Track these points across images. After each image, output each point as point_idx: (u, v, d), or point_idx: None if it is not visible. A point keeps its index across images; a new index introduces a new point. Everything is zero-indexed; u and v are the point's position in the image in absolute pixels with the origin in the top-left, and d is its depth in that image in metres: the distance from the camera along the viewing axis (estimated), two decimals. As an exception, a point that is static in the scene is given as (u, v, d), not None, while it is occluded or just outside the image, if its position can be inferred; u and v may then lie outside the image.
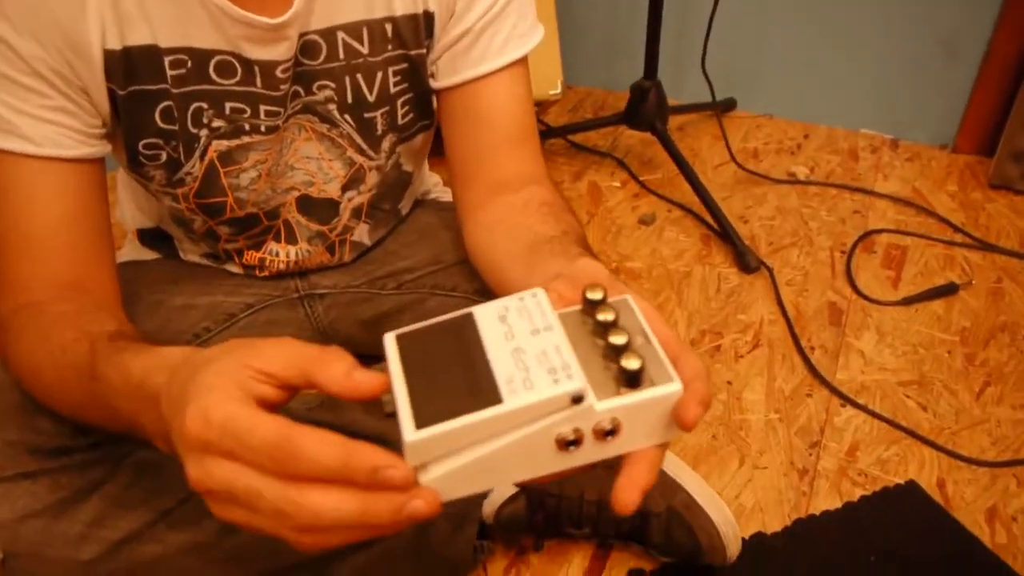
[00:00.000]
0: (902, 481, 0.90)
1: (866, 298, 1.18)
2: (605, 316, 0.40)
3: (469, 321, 0.40)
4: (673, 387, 0.38)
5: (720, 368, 1.06)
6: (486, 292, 0.72)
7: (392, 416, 0.38)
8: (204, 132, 0.65)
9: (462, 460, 0.36)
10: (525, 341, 0.38)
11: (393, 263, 0.84)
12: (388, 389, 0.39)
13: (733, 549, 0.79)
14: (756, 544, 0.83)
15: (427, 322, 0.41)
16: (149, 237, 0.82)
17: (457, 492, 0.37)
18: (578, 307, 0.42)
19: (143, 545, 0.65)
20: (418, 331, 0.40)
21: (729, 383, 1.04)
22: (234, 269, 0.80)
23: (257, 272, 0.79)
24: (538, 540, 0.87)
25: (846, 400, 1.01)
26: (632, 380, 0.37)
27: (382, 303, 0.83)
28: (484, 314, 0.40)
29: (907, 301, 1.17)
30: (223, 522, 0.40)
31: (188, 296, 0.78)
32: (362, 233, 0.82)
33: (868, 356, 1.08)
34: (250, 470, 0.37)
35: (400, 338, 0.40)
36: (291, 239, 0.78)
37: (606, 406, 0.37)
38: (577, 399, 0.36)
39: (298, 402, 0.80)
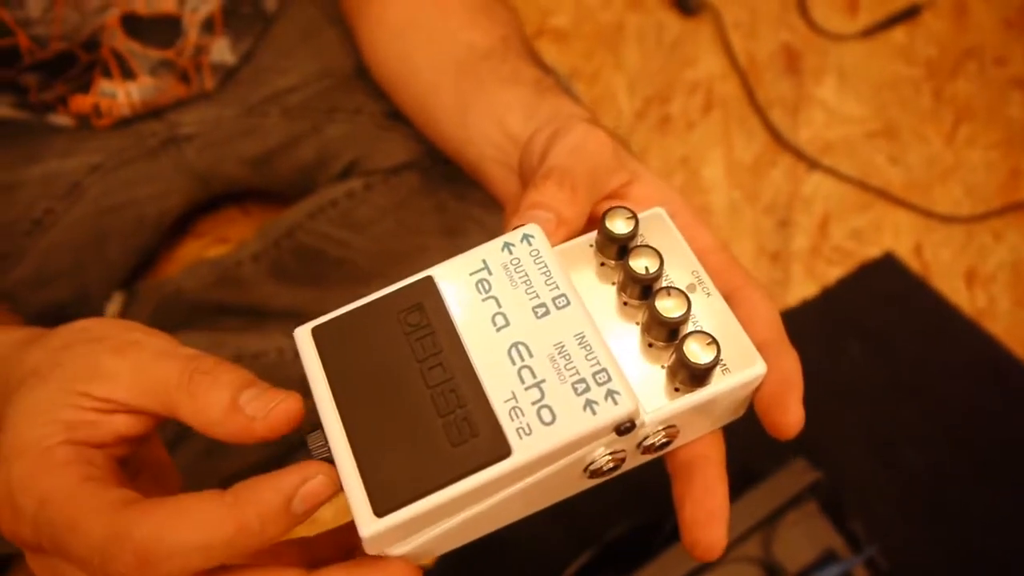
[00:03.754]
0: (878, 253, 0.84)
1: (823, 33, 1.03)
2: (643, 265, 0.26)
3: (430, 296, 0.25)
4: (755, 371, 0.25)
5: (672, 143, 0.93)
6: (401, 115, 0.56)
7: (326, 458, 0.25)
8: None
9: (442, 528, 0.24)
10: (527, 329, 0.24)
11: (271, 82, 0.64)
12: (314, 424, 0.25)
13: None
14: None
15: (360, 302, 0.26)
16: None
17: (438, 551, 0.25)
18: (589, 238, 0.28)
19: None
20: (347, 319, 0.26)
21: (685, 160, 0.92)
22: (62, 120, 0.60)
23: (95, 121, 0.60)
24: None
25: (812, 163, 0.91)
26: (700, 377, 0.24)
27: (268, 135, 0.65)
28: (452, 281, 0.26)
29: (867, 32, 1.03)
30: None
31: (7, 169, 0.58)
32: (222, 50, 0.61)
33: (831, 106, 0.96)
34: None
35: (320, 335, 0.26)
36: (127, 73, 0.58)
37: (660, 416, 0.25)
38: (625, 429, 0.24)
39: (192, 280, 0.65)
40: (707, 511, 0.27)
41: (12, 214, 0.58)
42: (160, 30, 0.56)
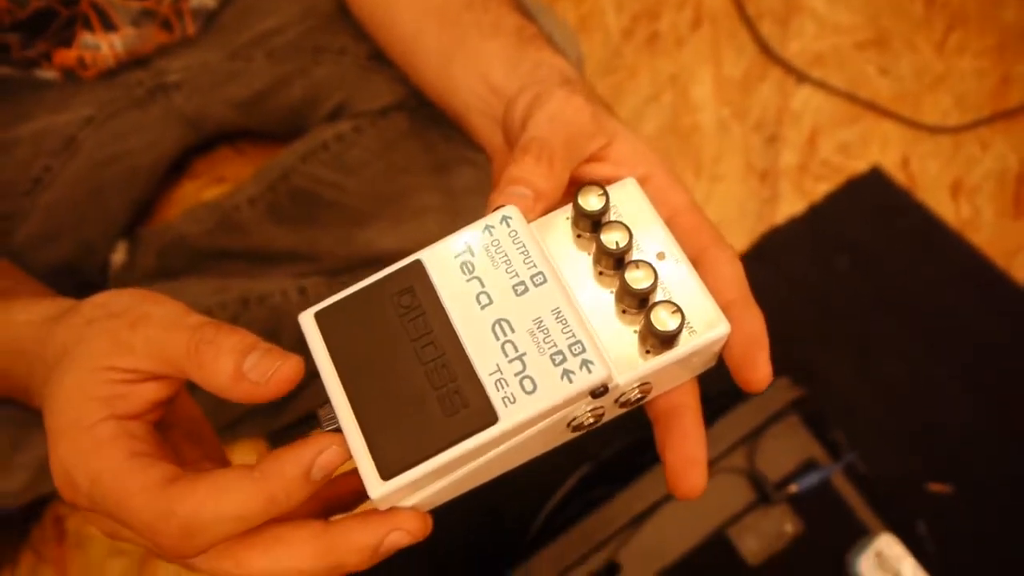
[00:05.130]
0: (865, 167, 0.85)
1: (814, -64, 1.01)
2: (614, 239, 0.27)
3: (420, 279, 0.27)
4: (718, 332, 0.27)
5: (661, 61, 0.92)
6: (383, 56, 0.56)
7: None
8: None
9: (444, 482, 0.27)
10: (509, 306, 0.26)
11: (253, 25, 0.64)
12: (323, 400, 0.28)
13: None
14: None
15: (357, 287, 0.28)
16: (-88, 44, 0.60)
17: (442, 500, 0.28)
18: (566, 211, 0.29)
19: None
20: (346, 303, 0.28)
21: (674, 78, 0.91)
22: (48, 75, 0.60)
23: (81, 73, 0.60)
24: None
25: (802, 76, 0.90)
26: (667, 340, 0.27)
27: (254, 79, 0.65)
28: (439, 264, 0.28)
29: (859, -66, 1.01)
30: None
31: (1, 129, 0.59)
32: (202, -6, 0.61)
33: (821, 15, 0.95)
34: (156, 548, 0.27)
35: (323, 319, 0.28)
36: (108, 26, 0.58)
37: (633, 377, 0.27)
38: (599, 392, 0.26)
39: (192, 225, 0.66)
40: (686, 458, 0.29)
41: (11, 174, 0.59)
42: (138, -20, 0.56)
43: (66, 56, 0.58)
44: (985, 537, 0.67)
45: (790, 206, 0.83)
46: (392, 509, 0.27)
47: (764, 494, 0.61)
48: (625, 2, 0.97)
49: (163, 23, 0.60)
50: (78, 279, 0.62)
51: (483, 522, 0.68)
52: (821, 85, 0.90)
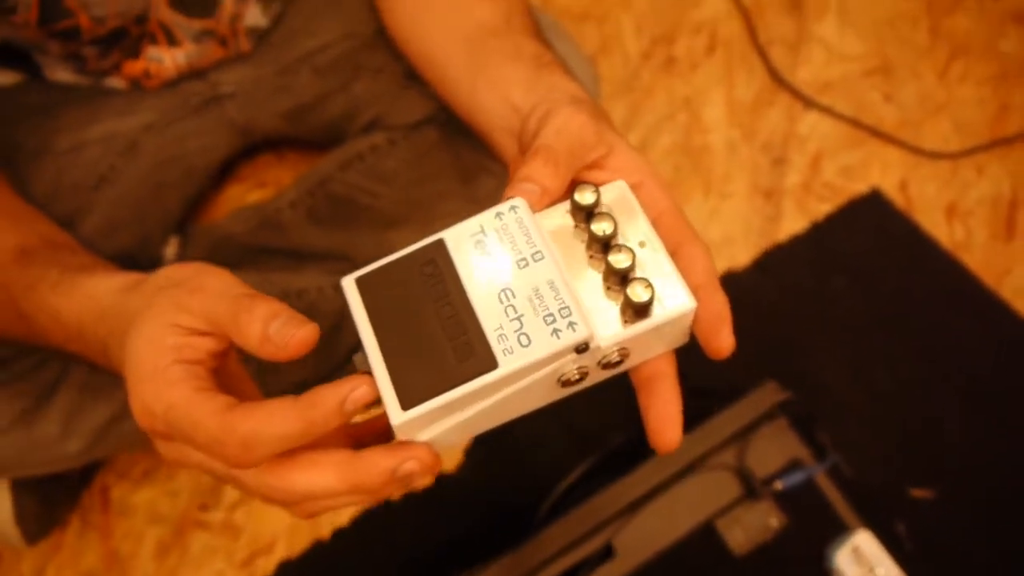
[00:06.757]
0: (866, 190, 0.89)
1: (828, -33, 1.06)
2: (602, 228, 0.33)
3: (441, 253, 0.34)
4: (685, 306, 0.33)
5: (676, 84, 0.98)
6: (416, 74, 0.62)
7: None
8: None
9: (454, 421, 0.33)
10: (512, 277, 0.33)
11: (301, 43, 0.71)
12: (359, 348, 0.34)
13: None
14: (726, 283, 0.84)
15: (390, 258, 0.34)
16: (2, 54, 0.67)
17: (447, 442, 0.34)
18: (565, 206, 0.36)
19: (130, 420, 0.63)
20: (381, 271, 0.34)
21: (688, 100, 0.97)
22: (117, 83, 0.67)
23: (145, 83, 0.67)
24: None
25: (809, 102, 0.95)
26: (641, 311, 0.32)
27: (301, 92, 0.71)
28: (457, 242, 0.34)
29: (872, -34, 1.06)
30: None
31: (73, 131, 0.66)
32: (255, 15, 0.68)
33: (831, 43, 1.00)
34: (217, 461, 0.34)
35: (361, 283, 0.34)
36: (172, 41, 0.65)
37: (613, 341, 0.33)
38: (582, 348, 0.32)
39: (238, 225, 0.73)
40: (665, 416, 0.35)
41: (80, 171, 0.65)
42: (200, 3, 0.63)
43: (134, 67, 0.65)
44: (963, 541, 0.72)
45: (792, 224, 0.88)
46: (408, 441, 0.33)
47: (751, 489, 0.66)
48: (644, 26, 1.02)
49: (220, 40, 0.66)
50: (134, 270, 0.69)
51: (492, 513, 0.73)
52: (827, 111, 0.95)
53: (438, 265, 0.33)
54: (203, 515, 0.74)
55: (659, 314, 0.33)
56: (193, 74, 0.68)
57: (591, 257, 0.34)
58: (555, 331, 0.31)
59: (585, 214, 0.34)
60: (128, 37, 0.62)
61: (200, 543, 0.73)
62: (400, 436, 0.33)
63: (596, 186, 0.35)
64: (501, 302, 0.32)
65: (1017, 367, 0.79)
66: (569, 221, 0.35)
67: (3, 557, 0.74)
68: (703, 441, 0.65)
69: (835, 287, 0.84)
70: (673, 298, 0.33)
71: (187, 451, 0.35)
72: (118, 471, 0.76)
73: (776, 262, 0.85)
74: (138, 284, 0.39)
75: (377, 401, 0.33)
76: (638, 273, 0.33)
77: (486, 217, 0.34)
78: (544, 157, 0.37)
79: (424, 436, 0.33)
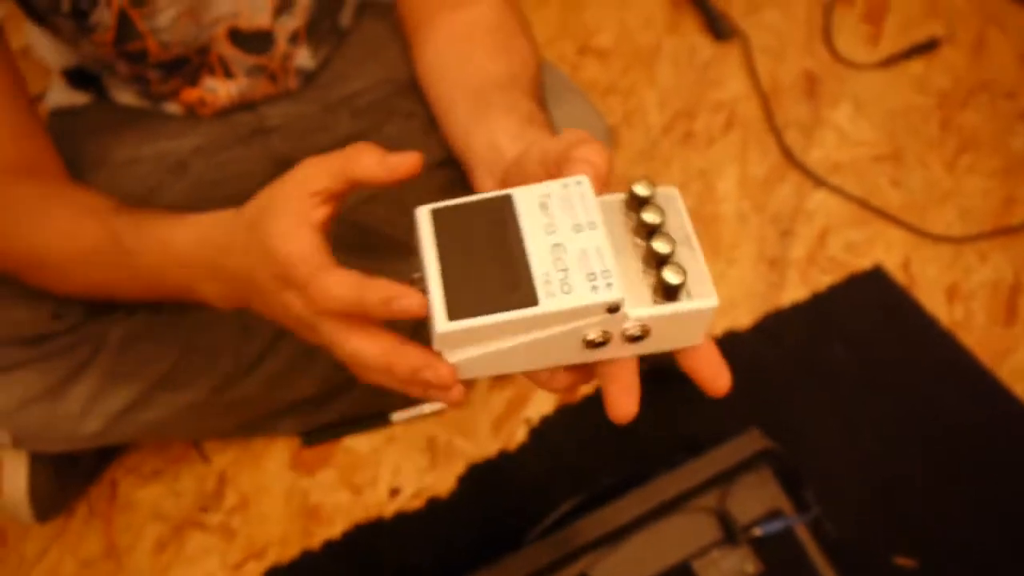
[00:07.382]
0: (869, 266, 0.93)
1: (844, 61, 1.12)
2: (651, 218, 0.38)
3: (508, 204, 0.38)
4: (709, 302, 0.37)
5: (693, 156, 1.03)
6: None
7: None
8: None
9: (486, 349, 0.37)
10: (566, 237, 0.37)
11: (344, 86, 0.78)
12: (418, 269, 0.39)
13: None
14: (727, 342, 0.87)
15: (463, 199, 0.39)
16: (77, 77, 0.75)
17: (474, 373, 0.39)
18: (621, 196, 0.40)
19: (144, 411, 0.68)
20: (454, 208, 0.39)
21: (703, 172, 1.02)
22: (173, 109, 0.74)
23: (199, 110, 0.74)
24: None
25: (819, 181, 1.00)
26: (670, 293, 0.37)
27: (338, 131, 0.78)
28: (524, 199, 0.39)
29: (886, 62, 1.12)
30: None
31: (130, 147, 0.73)
32: (304, 57, 0.75)
33: (843, 130, 1.05)
34: (308, 304, 0.42)
35: (435, 214, 0.39)
36: (228, 73, 0.72)
37: (639, 314, 0.37)
38: (613, 309, 0.36)
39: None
40: (622, 386, 0.39)
41: (132, 185, 0.72)
42: (256, 41, 0.70)
43: (190, 94, 0.72)
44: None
45: (795, 292, 0.91)
46: (438, 354, 0.38)
47: (731, 534, 0.67)
48: (667, 102, 1.09)
49: (271, 76, 0.74)
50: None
51: (478, 539, 0.76)
52: (836, 190, 0.99)
53: (504, 213, 0.38)
54: (203, 517, 0.78)
55: (685, 301, 0.37)
56: (243, 106, 0.75)
57: (635, 244, 0.39)
58: (594, 287, 0.36)
59: (638, 203, 0.39)
60: (189, 65, 0.69)
61: (196, 543, 0.77)
62: (437, 346, 0.37)
63: (652, 183, 0.39)
64: (552, 254, 0.37)
65: (1008, 442, 0.80)
66: (622, 212, 0.40)
67: (9, 535, 0.77)
68: (684, 480, 0.67)
69: (832, 353, 0.86)
70: (700, 292, 0.37)
71: (292, 301, 0.43)
72: (128, 466, 0.80)
73: (776, 325, 0.88)
74: (240, 210, 0.47)
75: (422, 319, 0.37)
76: (675, 260, 0.38)
77: (554, 185, 0.39)
78: (597, 145, 0.42)
79: (455, 358, 0.37)
